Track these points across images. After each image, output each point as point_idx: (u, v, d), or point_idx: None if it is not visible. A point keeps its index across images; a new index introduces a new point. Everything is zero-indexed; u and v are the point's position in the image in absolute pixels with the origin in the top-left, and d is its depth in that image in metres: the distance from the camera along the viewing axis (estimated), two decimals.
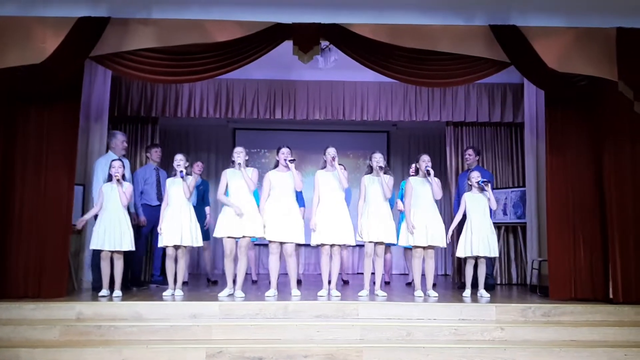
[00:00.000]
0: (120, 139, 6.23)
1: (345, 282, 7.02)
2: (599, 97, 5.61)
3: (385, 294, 5.64)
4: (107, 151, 6.26)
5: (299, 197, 6.23)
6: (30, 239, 5.25)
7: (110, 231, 5.42)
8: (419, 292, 5.64)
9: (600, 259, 5.57)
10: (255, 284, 6.88)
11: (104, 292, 5.40)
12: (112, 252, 5.47)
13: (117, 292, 5.43)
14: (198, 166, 7.01)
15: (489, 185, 5.86)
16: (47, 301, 4.98)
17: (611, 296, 5.43)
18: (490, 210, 5.90)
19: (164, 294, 5.50)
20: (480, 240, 5.71)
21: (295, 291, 5.60)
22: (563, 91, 5.64)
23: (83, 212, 6.23)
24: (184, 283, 6.22)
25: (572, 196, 5.66)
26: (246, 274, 5.69)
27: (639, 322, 5.00)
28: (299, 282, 6.39)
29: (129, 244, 5.48)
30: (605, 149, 5.55)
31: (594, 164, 5.65)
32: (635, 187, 5.42)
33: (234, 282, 5.52)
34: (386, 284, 7.12)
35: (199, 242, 5.72)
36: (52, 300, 5.04)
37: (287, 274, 5.80)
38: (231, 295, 5.46)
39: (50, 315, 4.81)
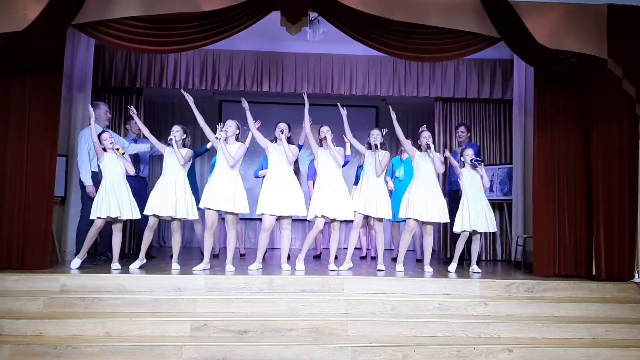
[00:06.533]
0: (103, 109, 6.14)
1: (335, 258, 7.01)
2: (589, 75, 5.58)
3: (384, 267, 5.69)
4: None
5: None
6: (13, 210, 5.18)
7: (115, 200, 5.37)
8: (400, 267, 5.66)
9: (584, 237, 5.62)
10: (243, 258, 6.85)
11: (116, 264, 5.40)
12: (113, 222, 5.44)
13: (116, 265, 5.38)
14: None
15: (482, 164, 5.90)
16: (30, 272, 4.93)
17: (594, 273, 5.50)
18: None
19: (131, 266, 5.42)
20: (478, 215, 5.74)
21: (285, 265, 5.59)
22: (552, 68, 5.61)
23: (66, 183, 6.15)
24: (215, 256, 6.11)
25: (558, 174, 5.68)
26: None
27: (621, 299, 5.08)
28: (288, 256, 6.37)
29: (130, 212, 5.45)
30: (593, 126, 5.54)
31: (581, 142, 5.65)
32: (622, 166, 5.44)
33: (215, 256, 5.45)
34: (372, 259, 7.14)
35: (194, 214, 5.63)
36: (36, 271, 4.99)
37: (273, 248, 5.77)
38: (206, 269, 5.42)
39: (34, 287, 4.78)
